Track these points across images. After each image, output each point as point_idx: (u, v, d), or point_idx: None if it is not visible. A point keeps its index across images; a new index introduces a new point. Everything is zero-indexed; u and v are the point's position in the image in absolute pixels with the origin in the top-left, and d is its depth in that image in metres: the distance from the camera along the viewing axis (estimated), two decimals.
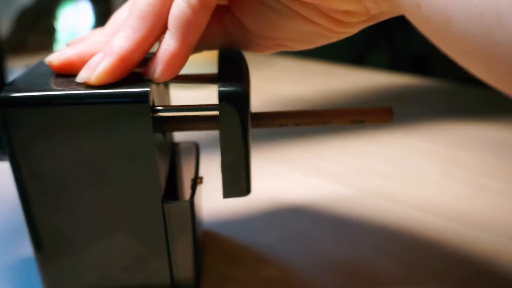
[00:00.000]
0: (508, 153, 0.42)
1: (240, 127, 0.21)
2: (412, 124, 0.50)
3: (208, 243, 0.31)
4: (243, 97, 0.20)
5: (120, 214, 0.22)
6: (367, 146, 0.44)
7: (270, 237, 0.31)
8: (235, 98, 0.20)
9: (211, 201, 0.36)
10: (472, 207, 0.34)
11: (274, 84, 0.66)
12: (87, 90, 0.20)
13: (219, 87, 0.20)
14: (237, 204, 0.35)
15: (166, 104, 0.26)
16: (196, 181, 0.24)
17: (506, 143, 0.44)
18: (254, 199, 0.36)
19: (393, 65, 1.81)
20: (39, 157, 0.21)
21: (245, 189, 0.23)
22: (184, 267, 0.24)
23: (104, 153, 0.21)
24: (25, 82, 0.21)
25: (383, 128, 0.48)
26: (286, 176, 0.39)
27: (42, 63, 0.24)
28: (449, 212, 0.33)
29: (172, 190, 0.24)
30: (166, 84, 0.27)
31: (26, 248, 0.26)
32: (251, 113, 0.22)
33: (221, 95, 0.20)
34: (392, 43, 1.85)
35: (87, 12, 0.96)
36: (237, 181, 0.22)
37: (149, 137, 0.20)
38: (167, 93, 0.27)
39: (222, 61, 0.24)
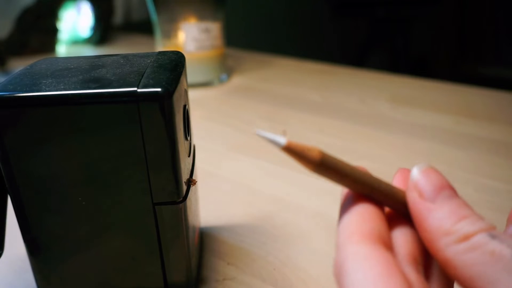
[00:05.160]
0: (508, 153, 0.42)
1: (161, 127, 0.20)
2: (411, 125, 0.50)
3: (205, 243, 0.31)
4: (163, 98, 0.20)
5: (113, 216, 0.22)
6: (367, 146, 0.45)
7: (270, 237, 0.31)
8: (155, 99, 0.20)
9: (210, 201, 0.36)
10: (472, 207, 0.34)
11: (274, 84, 0.66)
12: (74, 90, 0.20)
13: (138, 88, 0.20)
14: (238, 204, 0.35)
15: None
16: (190, 182, 0.24)
17: (506, 143, 0.44)
18: (255, 199, 0.36)
19: (393, 66, 1.81)
20: (29, 157, 0.20)
21: (175, 193, 0.22)
22: (178, 269, 0.24)
23: (95, 154, 0.21)
24: (16, 83, 0.21)
25: (383, 128, 0.49)
26: (285, 175, 0.39)
27: (35, 64, 0.24)
28: None
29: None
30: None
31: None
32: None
33: (141, 95, 0.20)
34: (392, 44, 1.85)
35: (87, 13, 0.96)
36: (165, 185, 0.21)
37: (138, 138, 0.20)
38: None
39: (156, 62, 0.23)
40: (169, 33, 0.66)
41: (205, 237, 0.31)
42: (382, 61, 1.85)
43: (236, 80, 0.69)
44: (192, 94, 0.62)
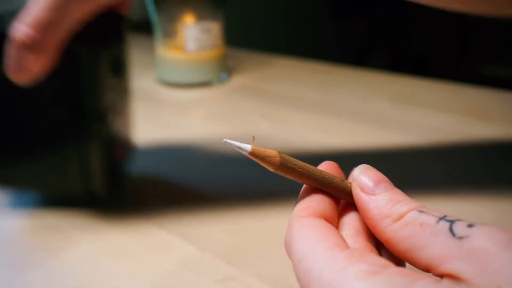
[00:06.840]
0: (509, 153, 0.42)
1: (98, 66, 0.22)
2: (412, 124, 0.50)
3: (204, 240, 0.31)
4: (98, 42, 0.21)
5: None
6: (367, 145, 0.44)
7: (270, 237, 0.31)
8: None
9: (209, 201, 0.36)
10: (473, 207, 0.34)
11: (274, 84, 0.66)
12: None
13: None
14: (238, 204, 0.35)
15: None
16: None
17: (507, 143, 0.44)
18: (255, 199, 0.36)
19: (393, 66, 1.81)
20: None
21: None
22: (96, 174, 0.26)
23: None
24: None
25: (383, 128, 0.49)
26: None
27: None
28: (449, 212, 0.33)
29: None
30: None
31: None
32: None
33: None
34: (392, 43, 1.85)
35: None
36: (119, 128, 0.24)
37: None
38: None
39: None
40: (169, 33, 0.65)
41: (203, 234, 0.31)
42: (383, 61, 1.85)
43: (236, 80, 0.69)
44: (192, 94, 0.62)
